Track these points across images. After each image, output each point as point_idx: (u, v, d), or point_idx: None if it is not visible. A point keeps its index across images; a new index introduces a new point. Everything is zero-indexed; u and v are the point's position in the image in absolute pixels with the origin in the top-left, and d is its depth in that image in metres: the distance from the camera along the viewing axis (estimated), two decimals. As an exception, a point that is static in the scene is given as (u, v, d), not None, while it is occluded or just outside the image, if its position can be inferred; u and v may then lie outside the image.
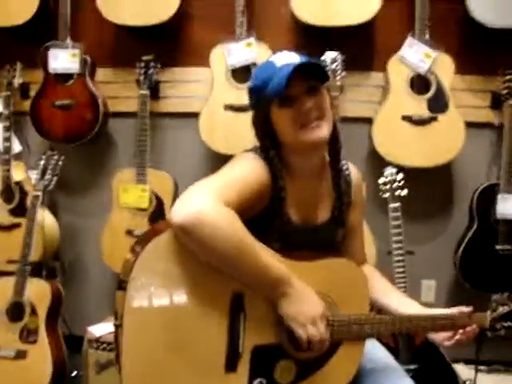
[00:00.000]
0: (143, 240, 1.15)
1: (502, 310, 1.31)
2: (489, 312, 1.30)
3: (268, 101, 1.22)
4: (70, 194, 2.68)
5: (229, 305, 1.15)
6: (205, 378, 1.14)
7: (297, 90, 1.21)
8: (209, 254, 1.11)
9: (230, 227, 1.09)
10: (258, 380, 1.17)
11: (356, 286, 1.26)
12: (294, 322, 1.15)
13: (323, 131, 1.22)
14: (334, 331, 1.20)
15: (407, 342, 2.14)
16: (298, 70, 1.18)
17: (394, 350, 2.15)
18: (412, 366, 2.14)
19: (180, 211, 1.07)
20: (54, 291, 2.26)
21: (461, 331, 1.27)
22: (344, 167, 1.41)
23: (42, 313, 2.21)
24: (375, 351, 1.40)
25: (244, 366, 1.16)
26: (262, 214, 1.25)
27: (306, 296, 1.16)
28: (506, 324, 1.31)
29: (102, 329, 2.16)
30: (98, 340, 2.12)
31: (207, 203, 1.08)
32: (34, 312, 2.21)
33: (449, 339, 1.30)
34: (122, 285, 1.13)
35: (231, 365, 1.15)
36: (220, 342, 1.14)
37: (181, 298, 1.13)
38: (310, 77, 1.21)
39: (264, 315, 1.17)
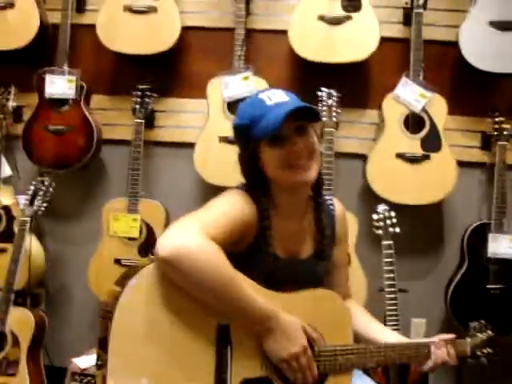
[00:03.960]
0: (131, 275, 1.14)
1: (480, 336, 1.34)
2: (468, 339, 1.33)
3: (257, 140, 1.23)
4: (58, 220, 2.62)
5: (215, 337, 1.16)
6: None
7: (287, 130, 1.22)
8: (193, 287, 1.12)
9: (213, 261, 1.10)
10: None
11: (340, 317, 1.27)
12: (277, 358, 1.17)
13: (312, 172, 1.24)
14: (320, 363, 1.22)
15: (399, 380, 2.12)
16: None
17: (385, 389, 2.13)
18: (404, 405, 2.11)
19: (164, 244, 1.09)
20: (38, 321, 2.19)
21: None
22: (328, 202, 1.42)
23: (25, 344, 2.14)
24: None
25: None
26: (248, 250, 1.26)
27: (289, 332, 1.17)
28: (485, 351, 1.34)
29: (86, 361, 2.09)
30: (82, 373, 2.05)
31: (191, 237, 1.10)
32: (15, 343, 2.13)
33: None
34: (104, 314, 1.13)
35: None
36: (208, 375, 1.14)
37: (166, 332, 1.13)
38: (301, 117, 1.23)
39: (251, 348, 1.18)
